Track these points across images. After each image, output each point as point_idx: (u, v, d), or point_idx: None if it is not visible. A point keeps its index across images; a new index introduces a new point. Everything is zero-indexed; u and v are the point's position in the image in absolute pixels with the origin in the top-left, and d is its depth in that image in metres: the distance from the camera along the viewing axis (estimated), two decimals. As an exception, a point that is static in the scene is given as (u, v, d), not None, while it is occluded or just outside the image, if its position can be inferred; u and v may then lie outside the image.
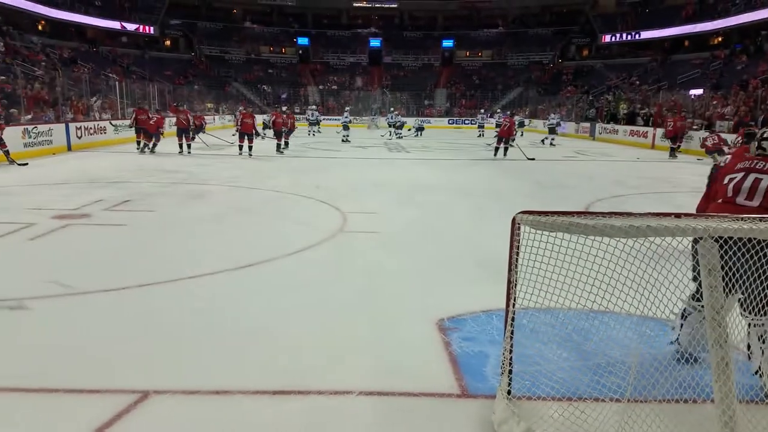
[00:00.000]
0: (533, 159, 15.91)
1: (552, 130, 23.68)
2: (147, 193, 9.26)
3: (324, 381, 3.03)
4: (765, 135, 3.08)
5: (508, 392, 2.72)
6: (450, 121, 38.88)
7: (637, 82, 34.56)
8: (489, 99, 41.88)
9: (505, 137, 16.65)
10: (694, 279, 2.74)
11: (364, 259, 5.55)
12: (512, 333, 2.69)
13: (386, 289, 4.66)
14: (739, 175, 3.01)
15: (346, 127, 23.09)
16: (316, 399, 2.86)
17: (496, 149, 16.83)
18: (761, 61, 26.90)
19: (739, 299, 2.69)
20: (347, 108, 28.57)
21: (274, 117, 17.36)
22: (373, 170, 13.40)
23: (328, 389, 2.95)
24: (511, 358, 2.73)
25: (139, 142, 16.63)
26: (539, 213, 2.44)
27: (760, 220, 2.18)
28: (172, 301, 4.30)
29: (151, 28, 42.80)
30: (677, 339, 3.14)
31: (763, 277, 2.40)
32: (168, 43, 45.93)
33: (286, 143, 18.02)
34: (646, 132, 22.61)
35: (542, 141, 23.33)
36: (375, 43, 49.28)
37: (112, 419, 2.63)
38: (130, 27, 41.60)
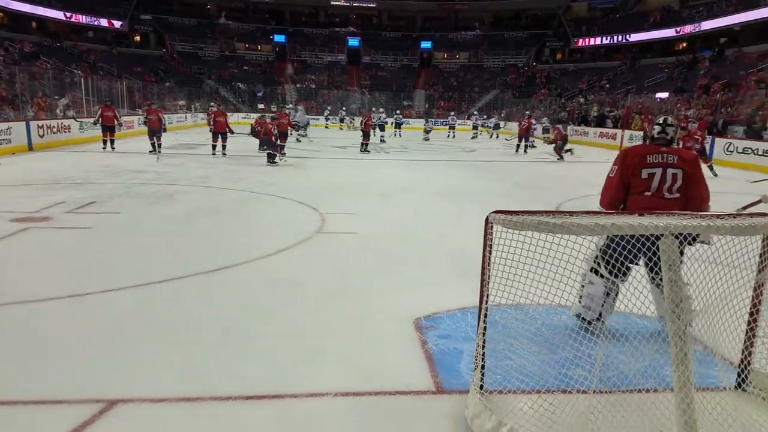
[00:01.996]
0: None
1: (546, 131, 24.15)
2: (113, 194, 9.00)
3: (299, 384, 3.02)
4: (668, 121, 3.55)
5: (481, 387, 2.81)
6: (432, 123, 39.02)
7: (607, 86, 35.23)
8: (466, 101, 42.21)
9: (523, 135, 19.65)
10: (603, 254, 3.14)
11: (342, 259, 5.59)
12: (485, 329, 2.78)
13: (364, 289, 4.70)
14: (658, 171, 3.42)
15: (381, 128, 23.38)
16: (290, 403, 2.85)
17: (517, 147, 19.87)
18: (722, 66, 27.69)
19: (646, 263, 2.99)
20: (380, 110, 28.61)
21: (259, 126, 16.20)
22: (352, 171, 13.42)
23: (303, 392, 2.94)
24: (483, 354, 2.82)
25: (105, 141, 16.30)
26: (511, 212, 2.54)
27: (717, 217, 2.32)
28: (138, 306, 4.19)
29: (120, 23, 41.85)
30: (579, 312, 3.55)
31: None
32: (138, 38, 45.10)
33: (282, 152, 15.10)
34: (615, 134, 23.13)
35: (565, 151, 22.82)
36: (354, 42, 49.20)
37: (76, 431, 2.55)
38: (97, 21, 40.58)
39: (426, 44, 49.19)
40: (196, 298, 4.40)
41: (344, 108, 31.97)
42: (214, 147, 15.84)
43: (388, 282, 4.91)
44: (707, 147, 17.45)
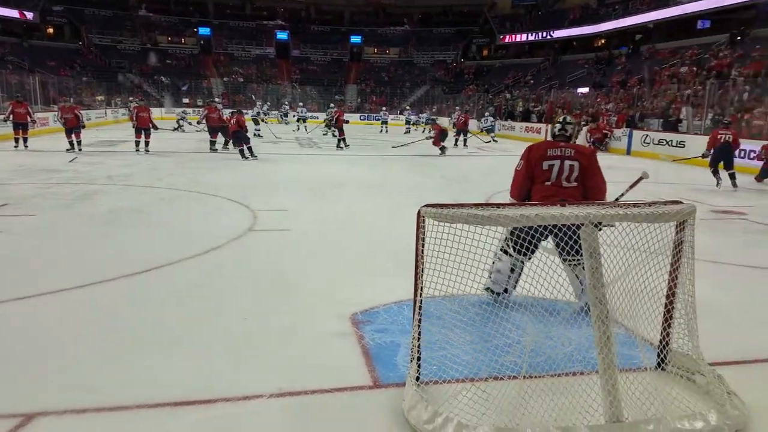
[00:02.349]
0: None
1: (490, 131, 24.77)
2: (27, 195, 8.46)
3: (232, 387, 2.93)
4: (567, 120, 4.10)
5: (417, 378, 2.84)
6: (362, 117, 39.11)
7: (532, 81, 36.47)
8: (398, 96, 42.56)
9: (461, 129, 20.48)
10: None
11: (276, 257, 5.50)
12: (419, 321, 2.82)
13: (298, 286, 4.63)
14: (557, 162, 3.86)
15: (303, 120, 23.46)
16: (223, 407, 2.76)
17: (456, 141, 20.31)
18: (637, 62, 29.30)
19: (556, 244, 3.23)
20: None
21: (207, 111, 16.15)
22: (283, 166, 13.23)
23: (236, 395, 2.85)
24: (419, 346, 2.86)
25: (17, 139, 15.35)
26: (441, 206, 2.58)
27: (634, 206, 2.45)
28: (57, 314, 3.94)
29: (31, 14, 39.05)
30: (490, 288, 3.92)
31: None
32: (51, 30, 42.44)
33: (214, 147, 15.97)
34: (540, 128, 24.02)
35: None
36: (282, 35, 48.47)
37: (-13, 448, 2.38)
38: (6, 12, 37.74)
39: (356, 39, 49.17)
40: (120, 303, 4.19)
41: (285, 103, 30.87)
42: (137, 143, 15.25)
43: (323, 279, 4.87)
44: (624, 139, 18.45)
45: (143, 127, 15.12)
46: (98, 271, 4.77)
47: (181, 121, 25.00)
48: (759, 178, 11.93)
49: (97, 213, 7.31)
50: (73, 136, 14.93)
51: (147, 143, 15.16)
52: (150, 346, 3.44)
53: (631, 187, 5.33)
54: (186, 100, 38.75)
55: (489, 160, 16.35)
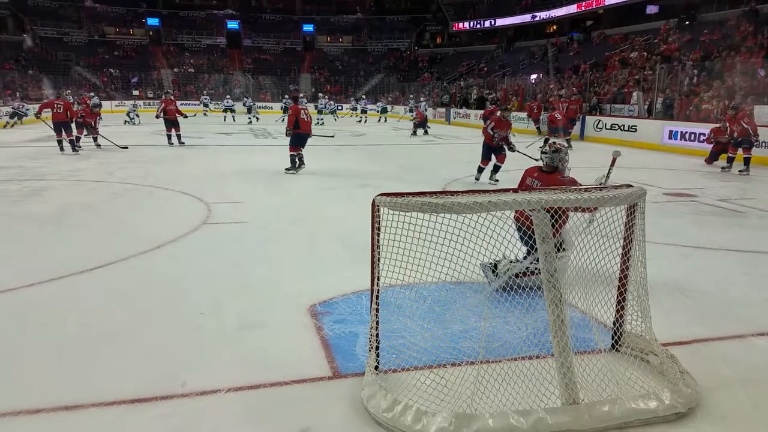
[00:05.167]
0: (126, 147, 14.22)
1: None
2: (-28, 192, 8.14)
3: (189, 382, 2.89)
4: (543, 150, 4.35)
5: (376, 367, 2.84)
6: (317, 107, 38.74)
7: (485, 69, 36.79)
8: (353, 85, 42.28)
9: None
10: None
11: (231, 250, 5.39)
12: (377, 310, 2.80)
13: (255, 279, 4.57)
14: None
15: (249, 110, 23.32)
16: (180, 402, 2.72)
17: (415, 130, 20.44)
18: (589, 48, 29.91)
19: None
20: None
21: (164, 105, 15.41)
22: (236, 157, 12.98)
23: (193, 391, 2.81)
24: (377, 335, 2.84)
25: None
26: (395, 194, 2.56)
27: (585, 190, 2.47)
28: (8, 313, 3.83)
29: (-32, 6, 37.17)
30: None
31: None
32: (-7, 23, 40.45)
33: (178, 136, 15.33)
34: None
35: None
36: (233, 25, 47.48)
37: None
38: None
39: (308, 27, 48.59)
40: (72, 301, 4.06)
41: (229, 95, 30.39)
42: (168, 137, 15.14)
43: (281, 271, 4.81)
44: (577, 125, 18.80)
45: (173, 120, 14.96)
46: (49, 270, 4.62)
47: (131, 114, 24.25)
48: (708, 161, 12.35)
49: (46, 210, 7.04)
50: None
51: (179, 136, 15.08)
52: (104, 344, 3.36)
53: (611, 168, 5.59)
54: (136, 93, 37.60)
55: (446, 149, 16.46)
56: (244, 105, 28.38)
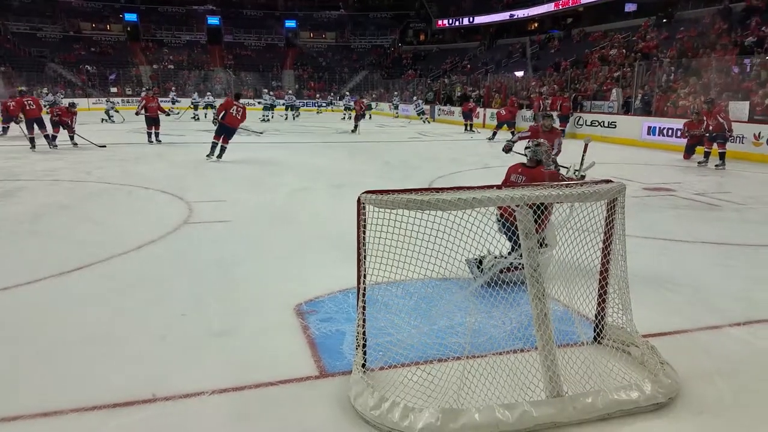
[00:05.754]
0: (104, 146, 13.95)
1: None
2: (-55, 193, 7.94)
3: (173, 385, 2.84)
4: (526, 145, 4.44)
5: (363, 365, 2.84)
6: (300, 104, 38.56)
7: (468, 66, 36.92)
8: (336, 82, 42.15)
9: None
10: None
11: (215, 249, 5.35)
12: (364, 308, 2.81)
13: (240, 279, 4.53)
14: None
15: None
16: (163, 406, 2.68)
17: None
18: (569, 45, 30.18)
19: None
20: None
21: (145, 101, 15.23)
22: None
23: (176, 393, 2.77)
24: (364, 333, 2.85)
25: None
26: (381, 192, 2.57)
27: (567, 186, 2.51)
28: None
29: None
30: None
31: None
32: (-39, 19, 39.52)
33: (156, 134, 15.20)
34: (478, 112, 24.34)
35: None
36: (213, 20, 47.02)
37: None
38: None
39: (290, 23, 48.30)
40: (51, 303, 3.99)
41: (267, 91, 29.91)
42: (149, 135, 15.08)
43: (266, 270, 4.79)
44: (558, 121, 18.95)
45: (154, 118, 14.89)
46: (27, 272, 4.53)
47: (111, 111, 23.91)
48: (686, 156, 12.55)
49: (22, 211, 6.91)
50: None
51: (157, 134, 15.03)
52: (84, 347, 3.30)
53: (584, 155, 5.85)
54: (114, 90, 37.03)
55: (430, 146, 16.49)
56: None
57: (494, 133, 17.92)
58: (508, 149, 7.29)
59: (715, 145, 11.59)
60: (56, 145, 13.62)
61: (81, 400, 2.70)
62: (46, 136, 13.52)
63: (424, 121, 26.51)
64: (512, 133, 15.28)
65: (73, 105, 15.32)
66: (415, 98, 30.27)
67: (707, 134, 11.78)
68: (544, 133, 7.25)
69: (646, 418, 2.59)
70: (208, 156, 11.53)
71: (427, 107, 28.63)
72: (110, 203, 7.56)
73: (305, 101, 38.02)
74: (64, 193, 8.17)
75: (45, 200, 7.59)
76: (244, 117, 11.64)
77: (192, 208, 7.00)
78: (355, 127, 19.99)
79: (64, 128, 14.07)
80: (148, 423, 2.57)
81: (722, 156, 11.35)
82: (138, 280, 4.49)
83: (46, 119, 13.99)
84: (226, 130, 11.46)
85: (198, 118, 25.06)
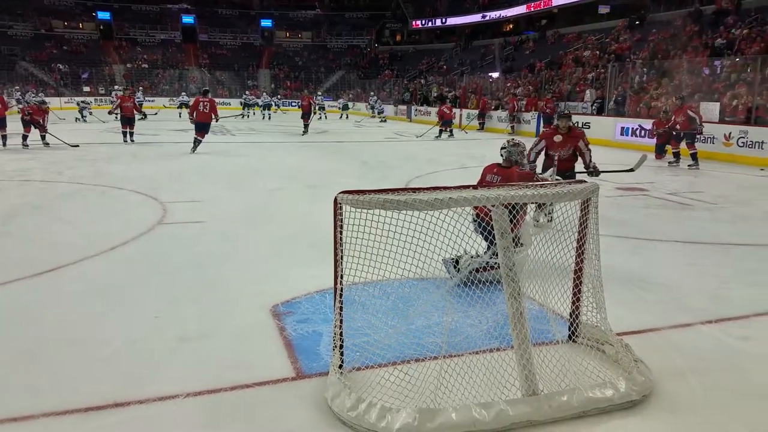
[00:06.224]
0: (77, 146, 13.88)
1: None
2: None
3: (146, 389, 2.79)
4: (503, 145, 4.47)
5: (340, 366, 2.82)
6: (277, 104, 38.32)
7: (444, 67, 37.11)
8: (313, 81, 42.01)
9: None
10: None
11: (189, 250, 5.28)
12: (341, 309, 2.80)
13: (215, 280, 4.47)
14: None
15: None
16: (136, 409, 2.64)
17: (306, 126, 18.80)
18: (544, 47, 30.53)
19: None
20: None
21: (120, 101, 15.11)
22: (195, 155, 12.71)
23: (150, 397, 2.72)
24: (341, 334, 2.83)
25: None
26: (357, 192, 2.56)
27: (541, 186, 2.53)
28: None
29: None
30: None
31: None
32: (-72, 16, 38.39)
33: (131, 134, 15.14)
34: (454, 113, 24.48)
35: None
36: (188, 19, 46.50)
37: None
38: None
39: (266, 22, 48.02)
40: (20, 306, 3.90)
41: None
42: (124, 134, 14.95)
43: (241, 271, 4.73)
44: (533, 122, 19.20)
45: (129, 117, 14.79)
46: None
47: (84, 111, 23.45)
48: (657, 155, 12.77)
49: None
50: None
51: (131, 134, 14.90)
52: (56, 351, 3.23)
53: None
54: (87, 89, 36.36)
55: (407, 146, 16.53)
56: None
57: (440, 131, 18.42)
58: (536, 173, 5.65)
59: (684, 146, 11.81)
60: (27, 145, 13.34)
61: (52, 404, 2.64)
62: (3, 137, 13.32)
63: (380, 120, 26.98)
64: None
65: (43, 102, 15.01)
66: (372, 95, 31.22)
67: (674, 132, 11.98)
68: (564, 136, 6.21)
69: (621, 415, 2.62)
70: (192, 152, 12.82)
71: (384, 106, 29.31)
72: (83, 204, 7.43)
73: (282, 101, 37.82)
74: (35, 194, 8.02)
75: (16, 201, 7.44)
76: (213, 110, 12.74)
77: (166, 209, 6.90)
78: (305, 126, 18.39)
79: (35, 127, 13.75)
80: (121, 427, 2.52)
81: (694, 156, 11.56)
82: (110, 282, 4.40)
83: (16, 119, 13.70)
84: (199, 126, 12.83)
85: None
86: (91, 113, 23.70)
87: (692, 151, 11.61)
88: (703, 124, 11.87)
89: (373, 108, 29.86)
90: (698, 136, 11.88)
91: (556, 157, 6.26)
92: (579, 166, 6.41)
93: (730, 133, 12.81)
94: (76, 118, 22.90)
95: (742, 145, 12.47)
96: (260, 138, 17.63)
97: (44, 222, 6.39)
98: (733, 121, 13.67)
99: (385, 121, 27.51)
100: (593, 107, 18.88)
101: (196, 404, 2.70)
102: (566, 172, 6.17)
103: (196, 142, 12.85)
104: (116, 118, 15.57)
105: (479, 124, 22.12)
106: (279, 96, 34.58)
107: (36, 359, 3.14)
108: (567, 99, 20.66)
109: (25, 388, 2.82)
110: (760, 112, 13.61)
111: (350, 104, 31.98)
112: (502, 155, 4.51)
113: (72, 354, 3.20)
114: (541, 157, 6.40)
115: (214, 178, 9.50)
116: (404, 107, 29.79)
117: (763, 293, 4.21)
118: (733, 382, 2.96)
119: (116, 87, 26.58)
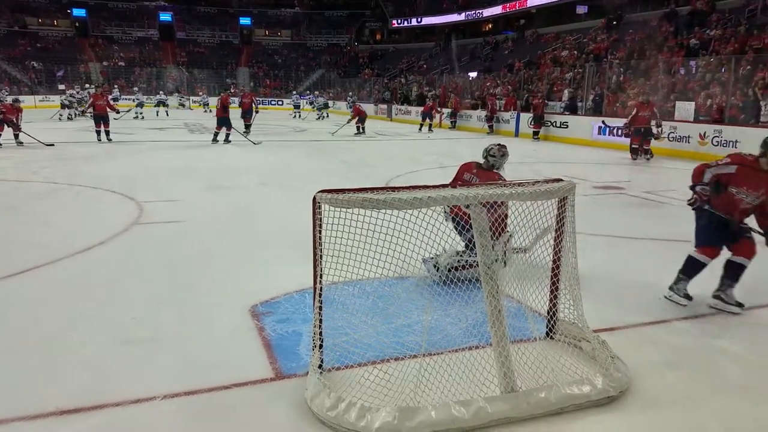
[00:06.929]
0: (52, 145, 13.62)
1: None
2: None
3: (124, 391, 2.76)
4: (490, 149, 4.48)
5: (320, 366, 2.82)
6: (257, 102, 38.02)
7: (425, 66, 37.19)
8: (293, 80, 41.81)
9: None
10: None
11: (167, 250, 5.21)
12: (320, 308, 2.79)
13: (193, 281, 4.43)
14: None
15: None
16: (112, 412, 2.60)
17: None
18: (522, 46, 30.77)
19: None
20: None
21: (93, 99, 15.00)
22: (172, 154, 12.56)
23: (126, 399, 2.69)
24: (320, 333, 2.83)
25: None
26: (336, 191, 2.55)
27: (519, 185, 2.55)
28: None
29: None
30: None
31: None
32: None
33: (106, 132, 14.89)
34: (439, 109, 24.54)
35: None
36: (165, 17, 45.95)
37: None
38: None
39: (245, 20, 47.67)
40: (-8, 309, 3.81)
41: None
42: (98, 133, 14.80)
43: (220, 271, 4.68)
44: (512, 122, 19.33)
45: (102, 115, 14.60)
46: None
47: (70, 110, 22.91)
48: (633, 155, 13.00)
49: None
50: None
51: (107, 132, 14.71)
52: (30, 353, 3.17)
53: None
54: (62, 87, 35.71)
55: (388, 145, 16.53)
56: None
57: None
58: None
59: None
60: (0, 144, 13.04)
61: (27, 407, 2.60)
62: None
63: (319, 117, 27.02)
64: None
65: (17, 101, 14.72)
66: (316, 93, 31.72)
67: (636, 131, 12.44)
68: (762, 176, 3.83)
69: (598, 411, 2.65)
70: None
71: (328, 102, 29.69)
72: (58, 204, 7.30)
73: (261, 99, 37.50)
74: (9, 194, 7.87)
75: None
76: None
77: (143, 209, 6.81)
78: (246, 127, 16.31)
79: (8, 126, 13.46)
80: (97, 430, 2.49)
81: (648, 151, 12.48)
82: (86, 283, 4.34)
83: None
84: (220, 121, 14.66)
85: (143, 118, 24.19)
86: (78, 113, 23.09)
87: (646, 147, 12.46)
88: (661, 125, 12.53)
89: (312, 104, 29.77)
90: (659, 129, 12.50)
91: (738, 199, 3.95)
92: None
93: (705, 133, 13.04)
94: (68, 116, 22.43)
95: (716, 144, 12.70)
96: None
97: (19, 222, 6.27)
98: (707, 120, 13.92)
99: (324, 117, 27.35)
100: (561, 106, 19.11)
101: (173, 406, 2.67)
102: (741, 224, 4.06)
103: (225, 136, 14.52)
104: (90, 116, 15.36)
105: (451, 123, 22.51)
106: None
107: (9, 361, 3.08)
108: (545, 98, 20.82)
109: (-1, 391, 2.77)
110: (734, 111, 13.88)
111: (330, 103, 31.83)
112: (485, 158, 4.50)
113: (46, 356, 3.14)
114: None
115: (193, 177, 9.40)
116: (384, 106, 29.78)
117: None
118: (709, 378, 3.02)
119: (94, 86, 26.06)
